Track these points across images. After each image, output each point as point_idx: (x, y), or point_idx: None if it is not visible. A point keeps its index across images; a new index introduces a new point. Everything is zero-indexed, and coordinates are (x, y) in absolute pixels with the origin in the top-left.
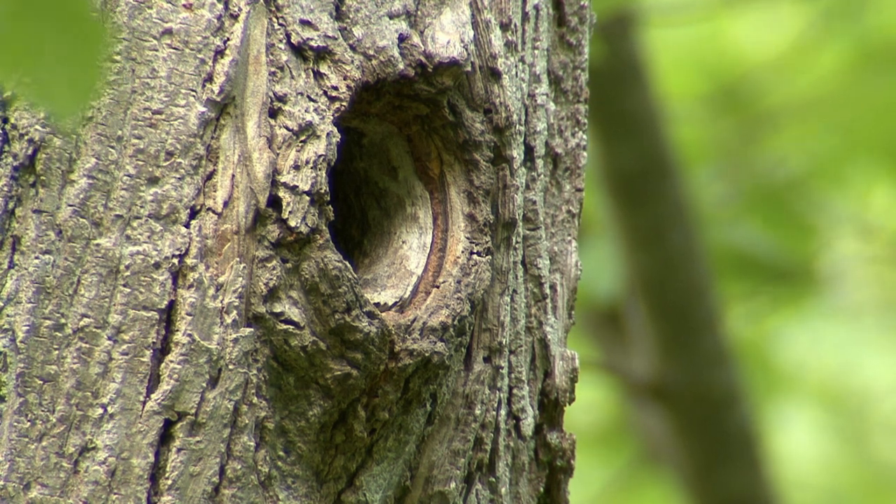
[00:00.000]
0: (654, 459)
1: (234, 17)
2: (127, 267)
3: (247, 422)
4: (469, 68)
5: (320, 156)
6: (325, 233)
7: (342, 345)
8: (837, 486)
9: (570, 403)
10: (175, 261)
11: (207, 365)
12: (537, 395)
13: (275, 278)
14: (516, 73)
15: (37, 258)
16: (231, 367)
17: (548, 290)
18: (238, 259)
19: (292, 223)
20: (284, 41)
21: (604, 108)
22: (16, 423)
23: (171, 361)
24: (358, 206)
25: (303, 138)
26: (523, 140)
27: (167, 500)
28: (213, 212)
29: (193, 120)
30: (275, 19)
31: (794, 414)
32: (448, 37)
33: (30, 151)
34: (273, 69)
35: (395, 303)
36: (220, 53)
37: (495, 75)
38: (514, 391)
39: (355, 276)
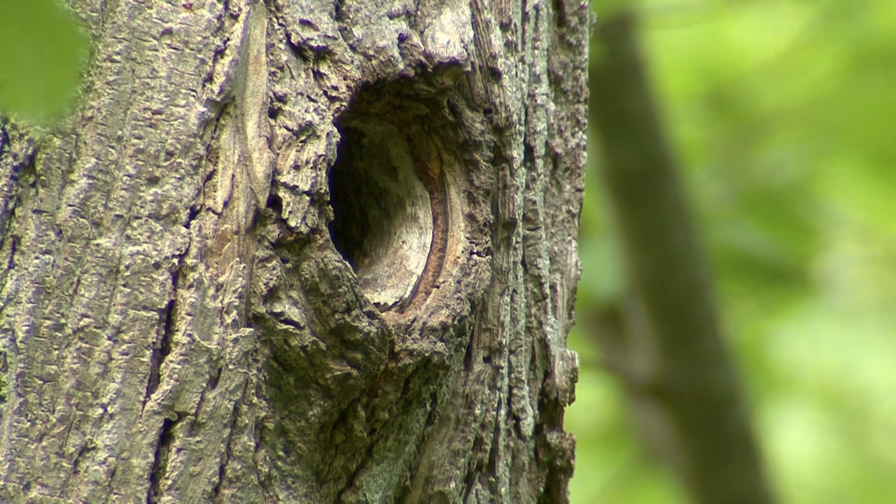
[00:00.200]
0: (654, 459)
1: (234, 17)
2: (127, 267)
3: (247, 422)
4: (469, 68)
5: (320, 156)
6: (325, 233)
7: (342, 345)
8: (837, 486)
9: (570, 403)
10: (175, 261)
11: (207, 365)
12: (537, 395)
13: (275, 278)
14: (516, 73)
15: (37, 258)
16: (231, 367)
17: (548, 290)
18: (238, 259)
19: (292, 223)
20: (284, 41)
21: (604, 108)
22: (16, 423)
23: (171, 361)
24: (358, 206)
25: (303, 138)
26: (523, 140)
27: (167, 500)
28: (213, 212)
29: (193, 120)
30: (275, 19)
31: (794, 414)
32: (448, 37)
33: (30, 151)
34: (273, 69)
35: (395, 303)
36: (220, 53)
37: (495, 75)
38: (514, 391)
39: (355, 276)
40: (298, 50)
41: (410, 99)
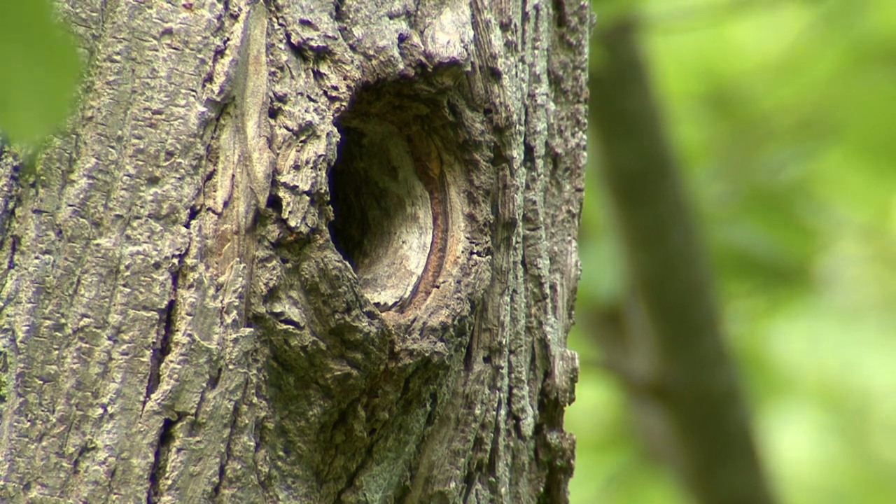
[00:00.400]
0: (654, 459)
1: (234, 17)
2: (127, 267)
3: (247, 422)
4: (469, 68)
5: (320, 156)
6: (325, 233)
7: (342, 345)
8: (837, 486)
9: (570, 403)
10: (175, 261)
11: (207, 365)
12: (537, 395)
13: (275, 278)
14: (516, 73)
15: (37, 258)
16: (231, 367)
17: (548, 290)
18: (238, 259)
19: (292, 223)
20: (284, 41)
21: (604, 109)
22: (16, 423)
23: (171, 361)
24: (358, 206)
25: (303, 138)
26: (523, 140)
27: (167, 500)
28: (213, 212)
29: (193, 120)
30: (275, 19)
31: (794, 414)
32: (448, 37)
33: (30, 151)
34: (273, 69)
35: (395, 303)
36: (220, 53)
37: (495, 75)
38: (514, 391)
39: (355, 276)
40: (298, 50)
41: (410, 99)
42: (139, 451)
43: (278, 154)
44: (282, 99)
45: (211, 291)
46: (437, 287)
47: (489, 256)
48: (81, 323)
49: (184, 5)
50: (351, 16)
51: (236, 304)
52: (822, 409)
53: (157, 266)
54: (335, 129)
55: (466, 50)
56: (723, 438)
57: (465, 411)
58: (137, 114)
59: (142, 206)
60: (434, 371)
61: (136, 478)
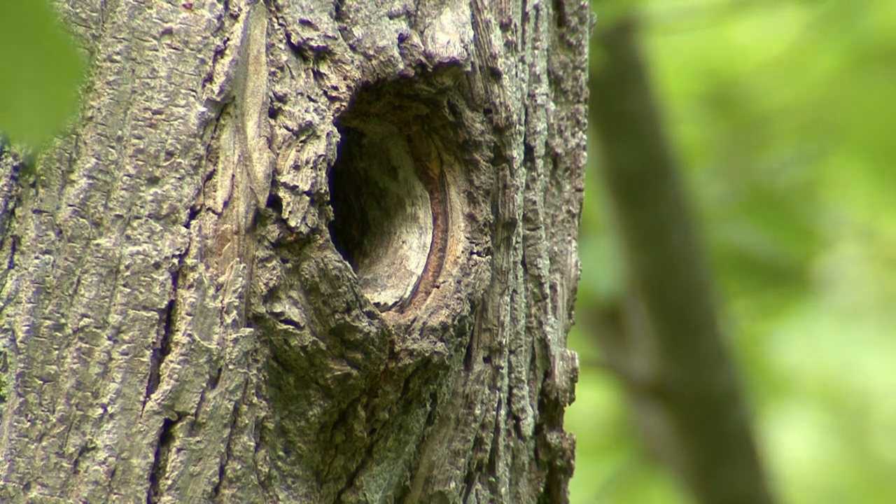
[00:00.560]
0: (655, 459)
1: (234, 17)
2: (127, 267)
3: (247, 422)
4: (469, 68)
5: (320, 156)
6: (325, 233)
7: (342, 345)
8: (837, 486)
9: (570, 403)
10: (175, 261)
11: (207, 365)
12: (537, 395)
13: (275, 278)
14: (516, 73)
15: (37, 258)
16: (231, 367)
17: (548, 290)
18: (238, 259)
19: (292, 223)
20: (284, 41)
21: (604, 109)
22: (16, 423)
23: (171, 361)
24: (358, 206)
25: (303, 138)
26: (523, 140)
27: (167, 500)
28: (213, 212)
29: (193, 120)
30: (275, 19)
31: (794, 414)
32: (448, 37)
33: (30, 151)
34: (273, 69)
35: (395, 303)
36: (220, 53)
37: (495, 75)
38: (514, 391)
39: (355, 276)
40: (298, 50)
41: (410, 99)
42: (139, 451)
43: (278, 154)
44: (282, 99)
45: (211, 291)
46: (437, 287)
47: (489, 256)
48: (81, 323)
49: (184, 5)
50: (351, 16)
51: (236, 304)
52: (822, 409)
53: (157, 266)
54: (335, 129)
55: (466, 50)
56: (723, 438)
57: (465, 411)
58: (137, 114)
59: (142, 206)
60: (434, 371)
61: (136, 478)
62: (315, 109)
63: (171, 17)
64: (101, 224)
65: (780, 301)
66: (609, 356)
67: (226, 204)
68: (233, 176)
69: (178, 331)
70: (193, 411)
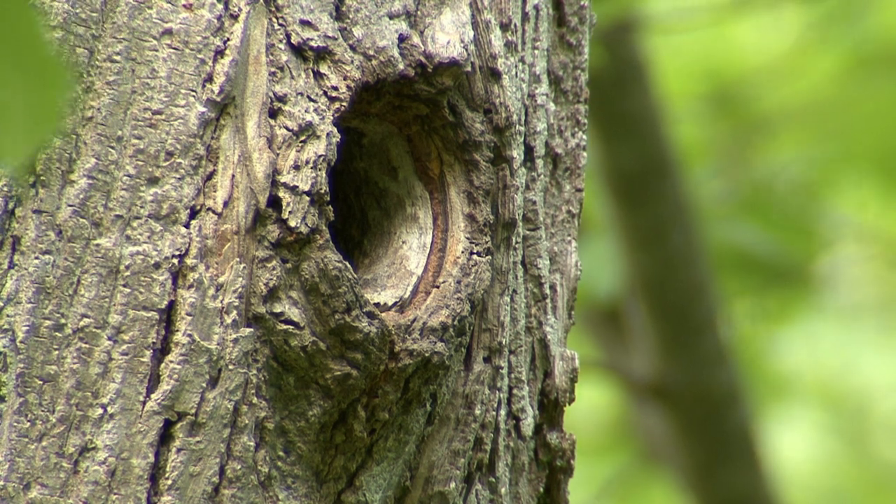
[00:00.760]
0: (655, 459)
1: (234, 17)
2: (127, 267)
3: (247, 422)
4: (469, 68)
5: (320, 156)
6: (325, 233)
7: (342, 345)
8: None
9: (570, 403)
10: (175, 261)
11: (207, 365)
12: (537, 395)
13: (275, 278)
14: (516, 73)
15: (37, 258)
16: (231, 367)
17: (548, 291)
18: (238, 259)
19: (292, 223)
20: (284, 41)
21: (604, 109)
22: (16, 423)
23: (171, 361)
24: (358, 206)
25: (303, 138)
26: (523, 140)
27: (167, 500)
28: (213, 212)
29: (193, 120)
30: (275, 19)
31: (794, 413)
32: (448, 37)
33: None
34: (273, 69)
35: (395, 303)
36: (220, 53)
37: (495, 75)
38: (514, 391)
39: (355, 276)
40: (298, 50)
41: (410, 99)
42: (139, 451)
43: (278, 154)
44: (282, 99)
45: (211, 291)
46: (437, 287)
47: (489, 256)
48: (81, 323)
49: (184, 5)
50: (351, 16)
51: (236, 304)
52: (822, 409)
53: (157, 266)
54: (335, 129)
55: (466, 50)
56: (723, 438)
57: (465, 411)
58: (137, 114)
59: (142, 207)
60: (434, 371)
61: (136, 478)
62: (315, 109)
63: (171, 17)
64: (101, 224)
65: (780, 301)
66: (609, 356)
67: (226, 204)
68: (233, 176)
69: (178, 331)
70: (193, 411)
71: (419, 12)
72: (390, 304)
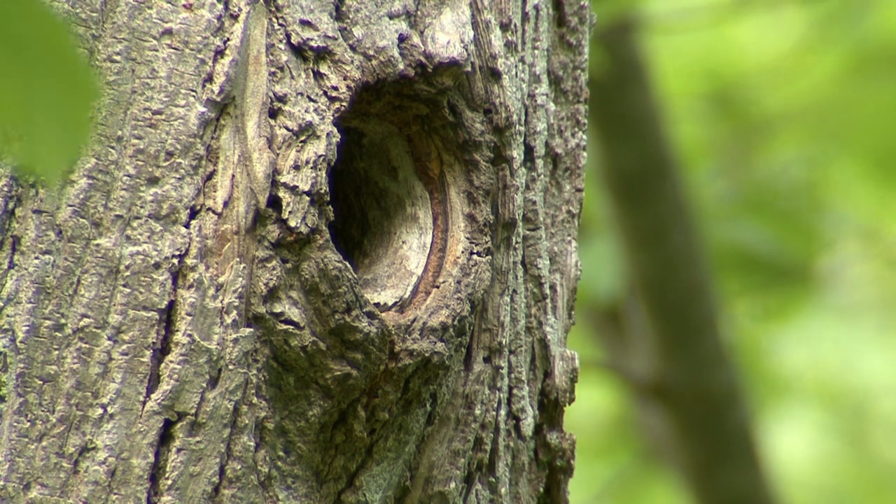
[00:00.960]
0: (655, 459)
1: (234, 17)
2: (127, 267)
3: (247, 422)
4: (469, 68)
5: (320, 156)
6: (325, 233)
7: (342, 345)
8: (837, 485)
9: (570, 403)
10: (175, 261)
11: (207, 365)
12: (537, 395)
13: (275, 278)
14: (516, 73)
15: (37, 258)
16: (231, 367)
17: (548, 291)
18: (238, 259)
19: (292, 223)
20: (284, 41)
21: (604, 109)
22: (16, 423)
23: (171, 361)
24: (358, 206)
25: (303, 138)
26: (523, 140)
27: (167, 500)
28: (213, 212)
29: (193, 120)
30: (275, 19)
31: (794, 413)
32: (448, 37)
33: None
34: (273, 69)
35: (395, 303)
36: (220, 53)
37: (495, 75)
38: (514, 391)
39: (355, 276)
40: (298, 50)
41: (410, 99)
42: (139, 451)
43: (278, 154)
44: (282, 99)
45: (211, 291)
46: (437, 287)
47: (489, 256)
48: (81, 323)
49: (184, 5)
50: (351, 16)
51: (236, 304)
52: (822, 409)
53: (157, 266)
54: (335, 129)
55: (466, 50)
56: (723, 438)
57: (465, 411)
58: (137, 114)
59: (142, 207)
60: (434, 371)
61: (136, 478)
62: (315, 109)
63: (171, 17)
64: (101, 224)
65: (780, 300)
66: (609, 356)
67: (226, 204)
68: (233, 176)
69: (178, 331)
70: (193, 411)
71: (419, 12)
72: (390, 304)
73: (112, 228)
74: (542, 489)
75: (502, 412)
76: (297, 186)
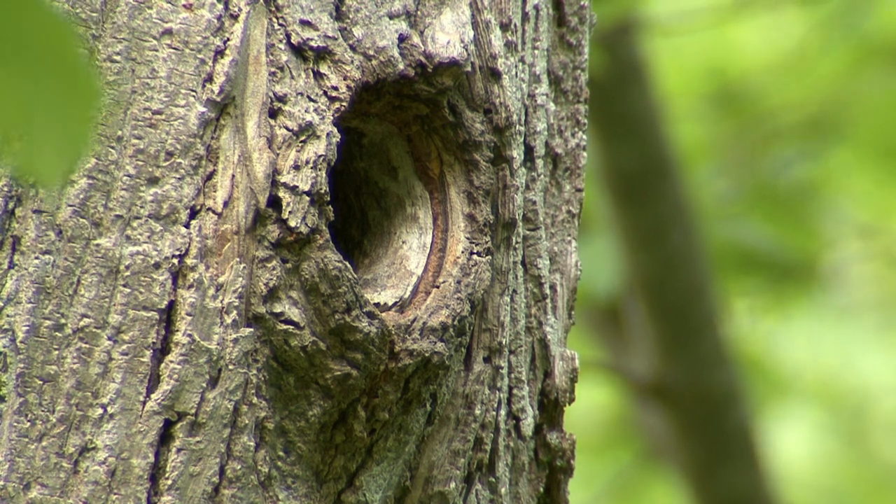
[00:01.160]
0: (655, 458)
1: (234, 17)
2: (127, 267)
3: (247, 422)
4: (469, 68)
5: (320, 156)
6: (325, 233)
7: (342, 345)
8: (837, 485)
9: (570, 403)
10: (175, 261)
11: (207, 365)
12: (537, 395)
13: (275, 278)
14: (516, 73)
15: (37, 258)
16: (231, 367)
17: (548, 291)
18: (238, 259)
19: (292, 223)
20: (284, 41)
21: (604, 109)
22: (16, 423)
23: (171, 361)
24: (358, 206)
25: (303, 138)
26: (523, 140)
27: (167, 500)
28: (213, 212)
29: (193, 120)
30: (275, 19)
31: (794, 413)
32: (448, 37)
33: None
34: (273, 69)
35: (395, 303)
36: (220, 53)
37: (495, 75)
38: (514, 391)
39: (355, 276)
40: (298, 50)
41: (410, 99)
42: (139, 451)
43: (278, 154)
44: (282, 99)
45: (211, 291)
46: (437, 287)
47: (489, 256)
48: (81, 323)
49: (184, 5)
50: (351, 16)
51: (236, 304)
52: (822, 408)
53: (157, 266)
54: (335, 129)
55: (466, 50)
56: (723, 438)
57: (465, 411)
58: (137, 114)
59: (142, 206)
60: (434, 371)
61: (136, 478)
62: (315, 109)
63: (171, 17)
64: (101, 224)
65: (781, 299)
66: (609, 356)
67: (226, 204)
68: (233, 176)
69: (178, 331)
70: (193, 411)
71: (419, 12)
72: (390, 304)
73: (112, 228)
74: (542, 489)
75: (502, 412)
76: (297, 186)
